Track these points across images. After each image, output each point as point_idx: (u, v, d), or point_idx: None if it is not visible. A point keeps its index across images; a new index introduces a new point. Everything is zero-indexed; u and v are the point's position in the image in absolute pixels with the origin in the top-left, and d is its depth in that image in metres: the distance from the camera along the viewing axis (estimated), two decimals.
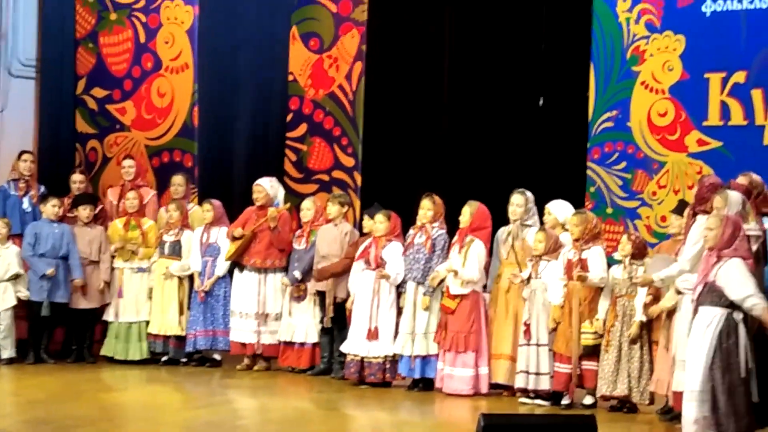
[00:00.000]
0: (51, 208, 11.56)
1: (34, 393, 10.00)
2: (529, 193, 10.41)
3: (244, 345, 11.41)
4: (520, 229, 10.34)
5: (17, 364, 11.26)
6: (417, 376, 10.44)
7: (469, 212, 10.33)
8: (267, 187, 11.57)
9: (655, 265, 9.26)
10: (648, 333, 9.44)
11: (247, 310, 11.39)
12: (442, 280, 10.25)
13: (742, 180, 8.90)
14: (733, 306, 7.78)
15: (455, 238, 10.41)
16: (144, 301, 11.68)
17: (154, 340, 11.64)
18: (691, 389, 7.88)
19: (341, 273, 10.95)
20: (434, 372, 10.38)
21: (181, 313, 11.57)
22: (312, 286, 11.18)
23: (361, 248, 10.72)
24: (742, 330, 7.72)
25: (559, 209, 10.34)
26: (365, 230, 11.02)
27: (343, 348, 10.70)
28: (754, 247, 8.31)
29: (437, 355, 10.35)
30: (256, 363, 11.46)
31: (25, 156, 12.07)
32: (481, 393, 10.18)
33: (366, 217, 11.06)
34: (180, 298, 11.60)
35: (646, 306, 9.31)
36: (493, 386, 10.28)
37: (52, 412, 9.03)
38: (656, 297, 9.29)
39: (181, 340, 11.57)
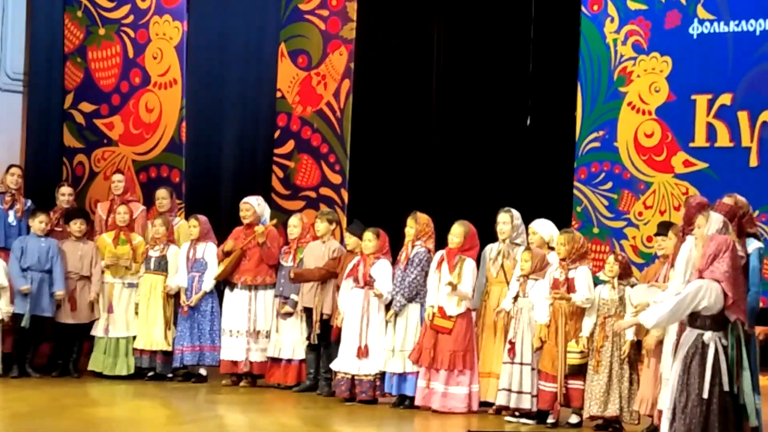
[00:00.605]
0: (38, 224, 11.52)
1: (19, 407, 9.96)
2: (514, 211, 10.42)
3: (235, 363, 11.38)
4: (510, 247, 10.36)
5: (1, 378, 11.21)
6: (394, 392, 10.46)
7: (462, 233, 10.33)
8: (255, 205, 11.56)
9: (637, 294, 9.28)
10: (637, 353, 9.49)
11: (239, 327, 11.39)
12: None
13: (727, 200, 8.91)
14: (704, 327, 7.78)
15: (439, 256, 10.40)
16: (133, 316, 11.65)
17: (140, 356, 11.60)
18: (663, 407, 7.93)
19: (316, 280, 10.92)
20: (412, 389, 10.37)
21: (167, 328, 11.55)
22: (299, 302, 11.17)
23: (350, 266, 10.72)
24: (711, 351, 7.69)
25: (544, 228, 10.35)
26: (348, 247, 11.01)
27: (333, 366, 10.69)
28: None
29: (415, 373, 10.35)
30: (242, 379, 11.45)
31: (12, 170, 12.04)
32: (472, 411, 10.20)
33: (348, 235, 11.06)
34: (166, 313, 11.58)
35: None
36: (481, 404, 10.29)
37: (36, 427, 8.99)
38: None
39: (167, 355, 11.54)
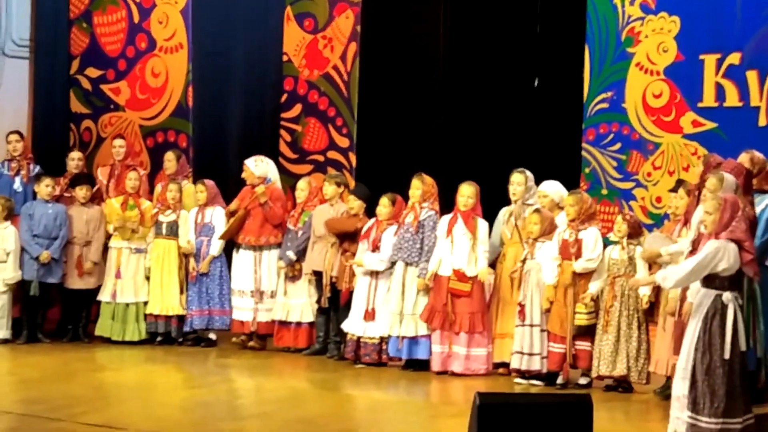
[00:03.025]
0: (44, 188, 11.51)
1: (29, 372, 10.01)
2: (528, 172, 10.42)
3: (242, 323, 11.43)
4: (522, 208, 10.34)
5: (11, 344, 11.23)
6: (404, 356, 10.46)
7: (474, 193, 10.28)
8: (251, 166, 11.53)
9: (650, 244, 9.28)
10: (645, 313, 9.50)
11: (244, 287, 11.41)
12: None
13: (743, 157, 8.87)
14: (723, 288, 7.76)
15: (447, 219, 10.35)
16: (142, 281, 11.64)
17: (154, 320, 11.60)
18: (678, 367, 7.91)
19: (350, 230, 10.83)
20: (424, 353, 10.38)
21: (181, 292, 11.55)
22: (307, 265, 11.16)
23: (364, 229, 10.72)
24: (731, 311, 7.69)
25: (554, 190, 10.33)
26: (353, 211, 10.94)
27: (344, 327, 10.71)
28: None
29: (427, 336, 10.35)
30: (251, 340, 11.46)
31: (10, 137, 12.03)
32: (490, 372, 10.24)
33: (352, 198, 11.00)
34: (180, 277, 11.58)
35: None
36: (498, 365, 10.31)
37: (46, 392, 9.04)
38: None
39: (182, 320, 11.55)
